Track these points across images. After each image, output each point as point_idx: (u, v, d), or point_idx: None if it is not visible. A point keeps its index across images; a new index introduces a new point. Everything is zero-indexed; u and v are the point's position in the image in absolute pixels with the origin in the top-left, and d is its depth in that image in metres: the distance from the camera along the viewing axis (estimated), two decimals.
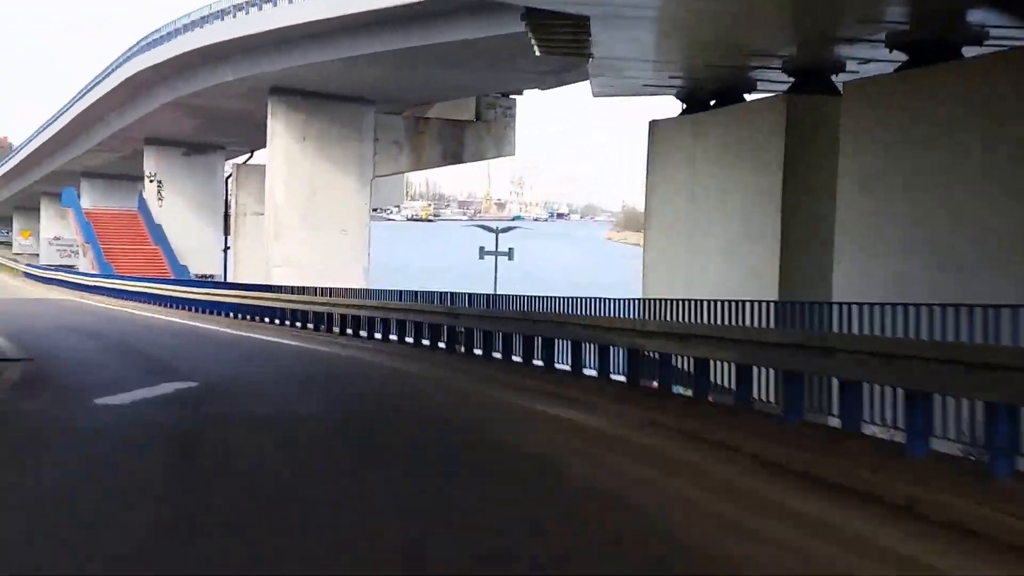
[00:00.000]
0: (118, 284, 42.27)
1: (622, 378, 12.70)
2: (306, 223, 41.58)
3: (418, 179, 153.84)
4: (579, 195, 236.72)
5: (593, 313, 13.80)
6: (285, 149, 41.37)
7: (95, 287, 46.23)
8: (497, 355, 16.03)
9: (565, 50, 21.32)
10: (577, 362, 13.67)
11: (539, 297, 15.99)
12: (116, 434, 9.41)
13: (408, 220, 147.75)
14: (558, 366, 14.28)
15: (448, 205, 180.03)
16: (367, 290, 25.18)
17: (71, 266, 60.73)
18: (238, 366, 16.58)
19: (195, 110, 45.42)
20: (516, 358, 15.47)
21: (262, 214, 47.55)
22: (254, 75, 38.10)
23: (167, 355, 17.73)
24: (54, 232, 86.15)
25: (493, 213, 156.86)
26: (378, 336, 20.77)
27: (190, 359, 17.02)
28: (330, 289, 24.44)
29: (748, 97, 24.50)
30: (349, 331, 21.96)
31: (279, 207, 41.35)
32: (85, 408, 11.03)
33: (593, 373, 13.43)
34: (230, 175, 57.22)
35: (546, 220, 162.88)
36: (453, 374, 14.90)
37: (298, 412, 10.98)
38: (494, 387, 13.15)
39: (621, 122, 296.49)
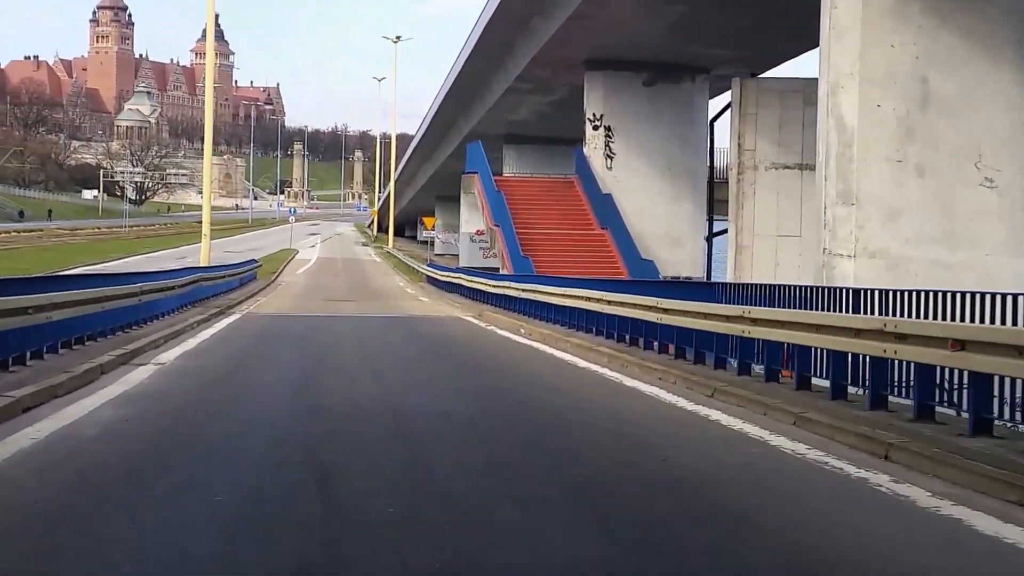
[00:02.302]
0: (541, 292, 21.85)
1: None
2: (909, 170, 19.08)
3: None
4: None
5: None
6: (865, 19, 18.98)
7: (501, 295, 26.61)
8: None
9: None
10: None
11: None
12: None
13: None
14: None
15: None
16: None
17: (495, 269, 42.16)
18: None
19: None
20: None
21: (790, 167, 25.92)
22: None
23: None
24: (475, 225, 69.52)
25: None
26: None
27: None
28: None
29: None
30: None
31: (851, 139, 18.99)
32: None
33: None
34: (718, 114, 35.71)
35: None
36: None
37: None
38: None
39: None
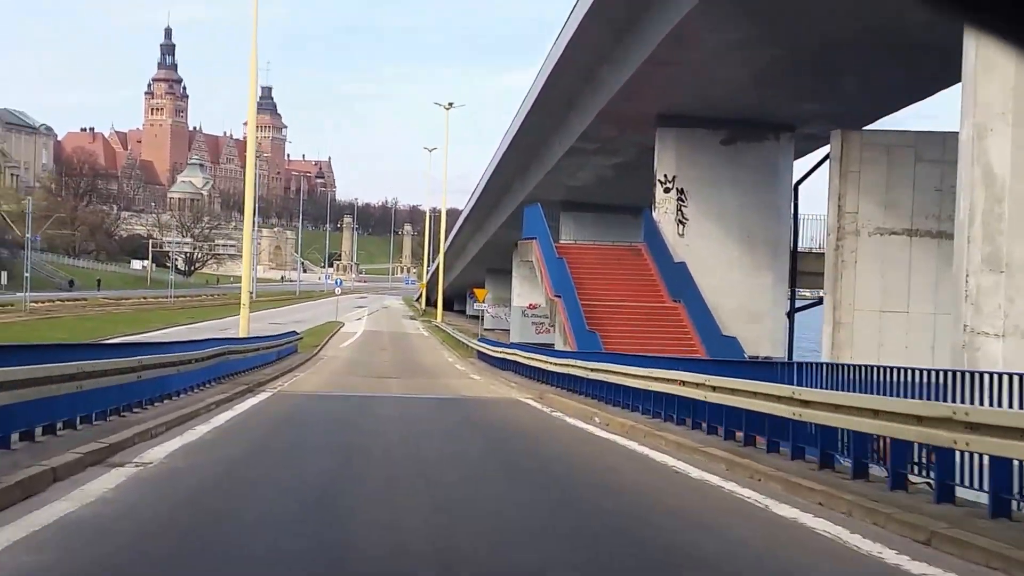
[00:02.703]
0: (618, 372, 18.65)
1: None
2: None
3: None
4: None
5: None
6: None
7: (564, 374, 23.44)
8: None
9: None
10: None
11: None
12: None
13: None
14: None
15: None
16: None
17: (549, 345, 39.10)
18: None
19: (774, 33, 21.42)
20: None
21: (897, 233, 22.75)
22: None
23: None
24: (528, 298, 66.31)
25: None
26: None
27: None
28: None
29: None
30: None
31: (1002, 193, 15.69)
32: None
33: None
34: (803, 177, 32.61)
35: None
36: None
37: None
38: None
39: None
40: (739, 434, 12.92)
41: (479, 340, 44.21)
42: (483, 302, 48.77)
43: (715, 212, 30.85)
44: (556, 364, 24.19)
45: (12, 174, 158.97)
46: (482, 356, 41.91)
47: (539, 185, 42.58)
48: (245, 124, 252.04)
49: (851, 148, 23.14)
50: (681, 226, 30.94)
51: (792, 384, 11.07)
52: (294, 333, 42.93)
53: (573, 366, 22.15)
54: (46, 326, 55.14)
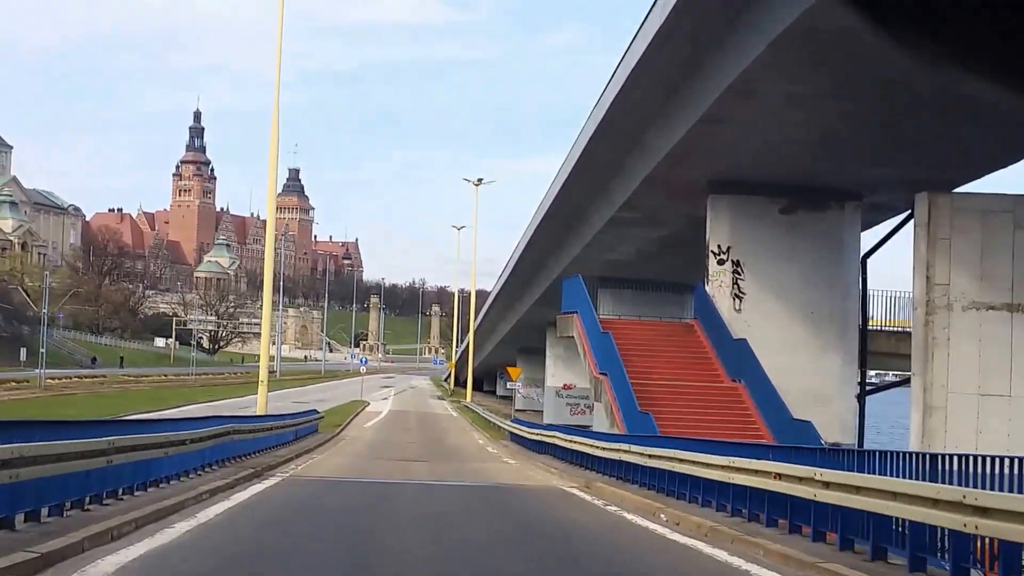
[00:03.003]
0: (688, 460, 15.84)
1: None
2: None
3: None
4: None
5: None
6: None
7: (613, 460, 20.65)
8: None
9: None
10: None
11: None
12: None
13: None
14: None
15: None
16: None
17: (585, 427, 36.30)
18: None
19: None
20: None
21: (996, 307, 20.03)
22: None
23: None
24: (562, 378, 63.26)
25: None
26: None
27: None
28: None
29: None
30: None
31: None
32: None
33: None
34: (872, 249, 29.94)
35: None
36: None
37: None
38: None
39: None
40: (859, 546, 10.14)
41: (512, 421, 41.34)
42: (516, 381, 45.87)
43: (775, 286, 28.15)
44: (604, 449, 21.37)
45: (40, 253, 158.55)
46: (516, 438, 39.02)
47: (576, 260, 40.06)
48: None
49: (940, 213, 20.45)
50: (738, 300, 28.23)
51: (956, 484, 8.31)
52: (314, 411, 40.29)
53: (627, 451, 19.34)
54: (58, 403, 53.18)
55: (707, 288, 28.53)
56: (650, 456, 17.78)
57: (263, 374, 36.73)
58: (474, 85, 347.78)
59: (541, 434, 31.38)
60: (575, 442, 25.23)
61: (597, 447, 22.05)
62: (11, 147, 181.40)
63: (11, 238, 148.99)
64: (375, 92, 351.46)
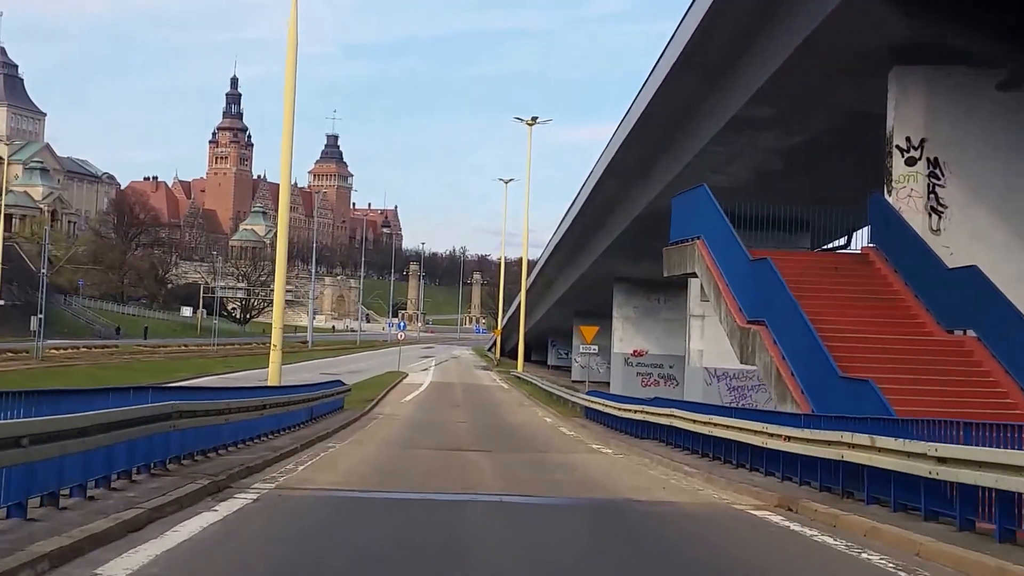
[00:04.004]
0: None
1: None
2: None
3: None
4: None
5: None
6: None
7: (820, 458, 12.06)
8: None
9: None
10: None
11: None
12: None
13: None
14: None
15: None
16: None
17: (660, 399, 27.52)
18: None
19: None
20: None
21: None
22: None
23: None
24: (631, 344, 54.41)
25: None
26: None
27: None
28: None
29: None
30: None
31: None
32: None
33: None
34: None
35: None
36: None
37: None
38: None
39: None
40: None
41: (588, 394, 32.62)
42: (590, 343, 37.17)
43: (992, 196, 19.40)
44: (810, 441, 12.58)
45: (70, 221, 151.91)
46: (592, 414, 30.43)
47: (668, 188, 30.94)
48: (310, 172, 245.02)
49: None
50: (935, 216, 19.42)
51: None
52: (339, 383, 31.92)
53: (869, 447, 10.66)
54: (48, 376, 45.60)
55: (889, 199, 19.73)
56: (941, 460, 9.12)
57: (275, 338, 28.64)
58: (522, 55, 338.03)
59: (644, 411, 22.71)
60: (717, 424, 16.58)
61: (797, 436, 13.16)
62: (44, 114, 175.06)
63: (40, 205, 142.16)
64: (417, 64, 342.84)
